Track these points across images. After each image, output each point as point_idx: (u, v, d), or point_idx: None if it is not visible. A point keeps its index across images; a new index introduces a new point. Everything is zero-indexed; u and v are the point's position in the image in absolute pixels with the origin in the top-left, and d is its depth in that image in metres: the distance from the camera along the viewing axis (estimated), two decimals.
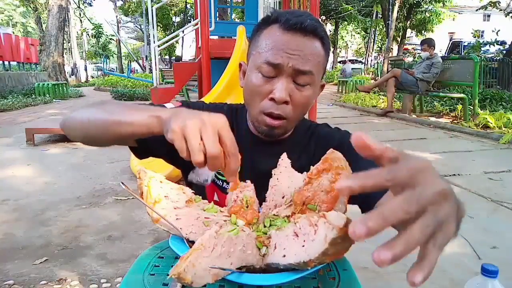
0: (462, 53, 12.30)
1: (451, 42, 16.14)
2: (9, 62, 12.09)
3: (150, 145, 0.76)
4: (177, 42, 24.36)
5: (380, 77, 11.65)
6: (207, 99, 3.66)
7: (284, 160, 0.75)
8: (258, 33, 0.78)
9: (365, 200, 0.65)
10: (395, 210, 0.29)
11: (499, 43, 9.44)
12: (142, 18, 24.66)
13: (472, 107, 5.80)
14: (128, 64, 21.82)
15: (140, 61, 26.49)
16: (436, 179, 0.33)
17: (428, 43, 6.16)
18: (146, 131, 0.61)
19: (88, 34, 27.58)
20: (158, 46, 5.06)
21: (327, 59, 0.79)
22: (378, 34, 23.40)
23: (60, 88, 12.10)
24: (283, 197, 0.71)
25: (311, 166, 0.67)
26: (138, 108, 0.66)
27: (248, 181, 0.76)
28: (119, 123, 0.63)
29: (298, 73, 0.73)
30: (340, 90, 12.65)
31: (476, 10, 10.86)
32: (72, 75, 23.26)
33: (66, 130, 0.76)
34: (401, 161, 0.34)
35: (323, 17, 22.19)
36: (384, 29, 17.69)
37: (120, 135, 0.64)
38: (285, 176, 0.73)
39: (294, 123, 0.81)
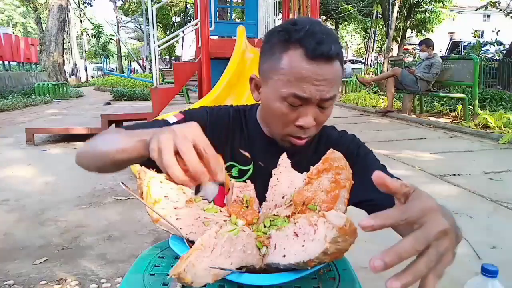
0: (462, 53, 12.30)
1: (451, 42, 16.16)
2: (9, 62, 12.10)
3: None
4: (177, 42, 24.36)
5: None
6: (207, 99, 3.66)
7: (284, 160, 0.75)
8: (277, 54, 0.74)
9: (373, 209, 0.72)
10: (407, 249, 0.37)
11: (498, 43, 9.45)
12: (142, 18, 24.66)
13: (472, 107, 5.80)
14: (128, 64, 21.79)
15: (140, 61, 26.48)
16: (439, 219, 0.40)
17: (426, 44, 6.20)
18: (138, 155, 0.64)
19: (88, 34, 27.57)
20: (158, 46, 5.06)
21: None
22: (378, 34, 23.39)
23: (60, 88, 12.10)
24: (283, 197, 0.71)
25: (311, 166, 0.67)
26: (131, 134, 0.68)
27: (248, 181, 0.76)
28: (115, 152, 0.67)
29: (324, 101, 0.74)
30: (340, 90, 12.65)
31: (476, 9, 10.86)
32: (72, 75, 23.25)
33: (81, 166, 0.79)
34: (412, 198, 0.43)
35: (323, 17, 22.18)
36: (384, 29, 17.68)
37: (120, 162, 0.68)
38: (285, 176, 0.73)
39: None
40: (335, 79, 0.73)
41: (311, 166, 0.68)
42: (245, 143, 0.87)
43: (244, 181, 0.81)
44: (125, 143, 0.66)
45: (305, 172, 0.70)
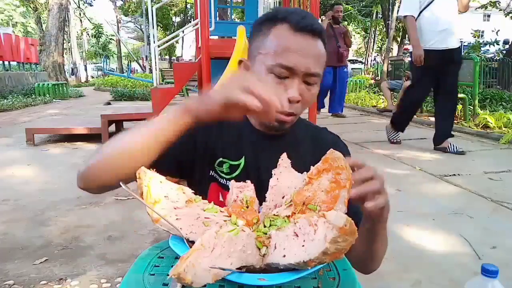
0: (462, 53, 12.29)
1: None
2: (9, 62, 12.09)
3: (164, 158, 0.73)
4: (177, 42, 24.37)
5: (380, 77, 11.65)
6: None
7: (284, 160, 0.75)
8: (264, 31, 0.79)
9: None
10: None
11: (498, 43, 9.45)
12: (142, 18, 24.66)
13: (472, 107, 5.80)
14: (128, 64, 21.81)
15: (140, 61, 26.48)
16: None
17: None
18: (182, 124, 0.66)
19: (88, 34, 27.57)
20: (158, 46, 5.05)
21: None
22: (378, 34, 23.40)
23: (60, 88, 12.11)
24: (283, 197, 0.71)
25: (311, 167, 0.67)
26: (155, 119, 0.70)
27: (248, 181, 0.76)
28: (156, 134, 0.67)
29: (309, 75, 0.77)
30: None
31: (476, 9, 10.87)
32: (72, 75, 23.26)
33: (87, 183, 0.72)
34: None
35: (323, 17, 22.16)
36: (384, 29, 17.69)
37: (158, 145, 0.67)
38: (285, 176, 0.73)
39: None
40: (319, 56, 0.78)
41: (311, 167, 0.68)
42: (234, 138, 0.88)
43: (237, 176, 0.84)
44: (158, 122, 0.67)
45: (305, 172, 0.70)
